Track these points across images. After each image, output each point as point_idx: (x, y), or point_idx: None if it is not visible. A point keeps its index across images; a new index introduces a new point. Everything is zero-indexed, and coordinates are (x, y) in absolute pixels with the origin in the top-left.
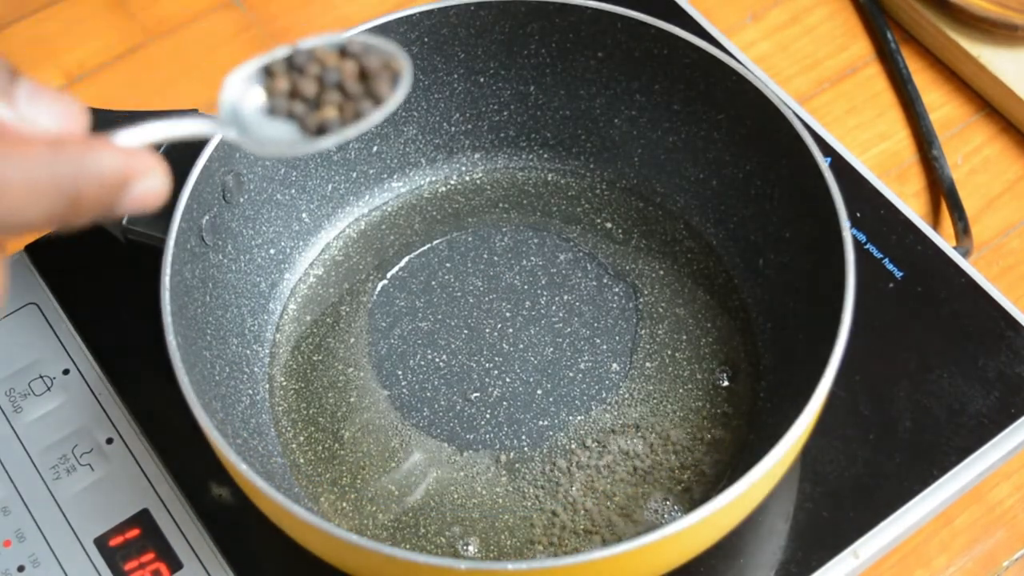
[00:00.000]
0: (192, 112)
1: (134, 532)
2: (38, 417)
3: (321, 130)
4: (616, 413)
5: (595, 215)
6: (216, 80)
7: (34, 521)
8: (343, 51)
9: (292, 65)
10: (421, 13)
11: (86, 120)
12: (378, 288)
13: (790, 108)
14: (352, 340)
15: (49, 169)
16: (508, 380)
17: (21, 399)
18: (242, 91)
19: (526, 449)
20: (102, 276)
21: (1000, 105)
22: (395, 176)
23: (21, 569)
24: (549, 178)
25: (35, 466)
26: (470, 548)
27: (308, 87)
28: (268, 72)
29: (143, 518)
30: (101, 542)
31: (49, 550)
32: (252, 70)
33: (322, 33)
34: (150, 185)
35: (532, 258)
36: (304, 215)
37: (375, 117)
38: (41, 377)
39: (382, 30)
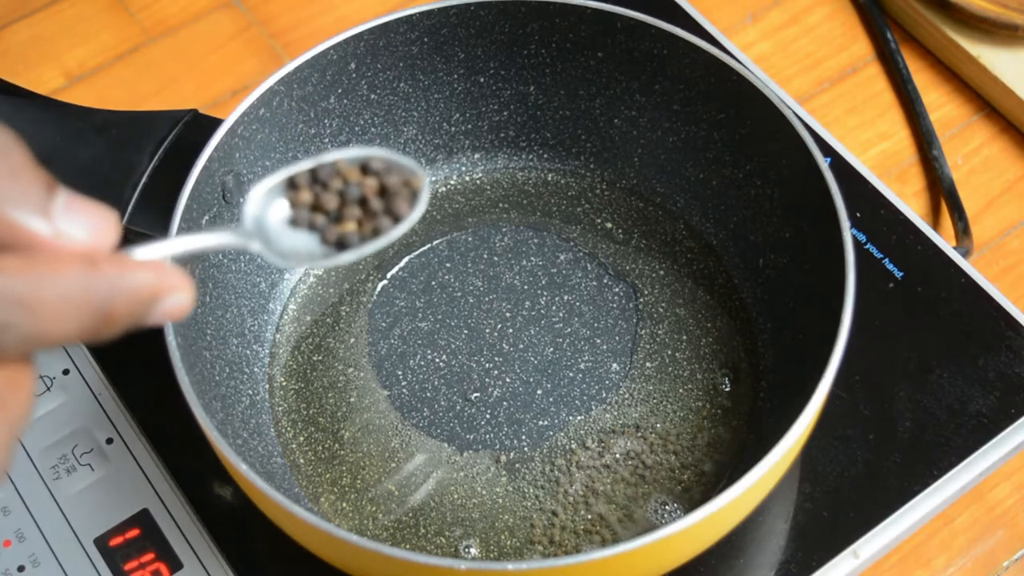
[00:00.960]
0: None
1: (134, 532)
2: (38, 417)
3: (340, 244)
4: (616, 413)
5: (595, 215)
6: (216, 80)
7: (34, 521)
8: (365, 167)
9: (315, 178)
10: (421, 13)
11: (118, 231)
12: (378, 288)
13: (790, 108)
14: (352, 340)
15: (84, 287)
16: (508, 380)
17: None
18: (266, 203)
19: (526, 449)
20: None
21: (1000, 105)
22: None
23: (21, 569)
24: (549, 178)
25: (35, 466)
26: (471, 549)
27: (330, 201)
28: (292, 184)
29: (143, 518)
30: (101, 542)
31: (49, 550)
32: (277, 182)
33: (325, 38)
34: (179, 300)
35: (532, 258)
36: None
37: (393, 234)
38: (41, 377)
39: (382, 30)
